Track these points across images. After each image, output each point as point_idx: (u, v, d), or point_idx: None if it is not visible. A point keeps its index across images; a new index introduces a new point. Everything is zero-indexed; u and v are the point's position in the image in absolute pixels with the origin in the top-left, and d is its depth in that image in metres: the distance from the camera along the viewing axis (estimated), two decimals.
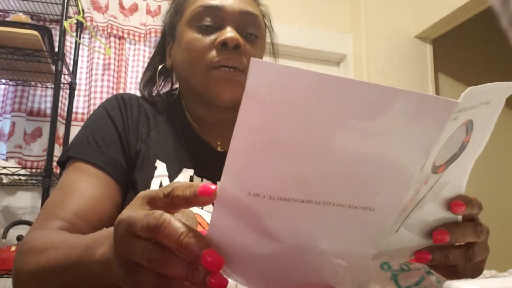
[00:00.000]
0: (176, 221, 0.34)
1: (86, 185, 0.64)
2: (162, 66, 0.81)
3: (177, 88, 0.81)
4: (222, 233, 0.34)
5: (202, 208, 0.67)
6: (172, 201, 0.35)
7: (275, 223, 0.34)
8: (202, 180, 0.71)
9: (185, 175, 0.70)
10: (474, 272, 0.49)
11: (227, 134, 0.76)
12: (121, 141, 0.71)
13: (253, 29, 0.73)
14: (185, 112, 0.78)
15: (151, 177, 0.68)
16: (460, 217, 0.43)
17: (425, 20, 2.39)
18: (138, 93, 0.82)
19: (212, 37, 0.70)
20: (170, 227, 0.33)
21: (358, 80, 0.30)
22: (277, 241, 0.35)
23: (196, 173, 0.71)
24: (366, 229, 0.37)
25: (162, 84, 0.84)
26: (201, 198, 0.34)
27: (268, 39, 0.83)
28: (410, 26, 2.49)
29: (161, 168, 0.70)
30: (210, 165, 0.73)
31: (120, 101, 0.75)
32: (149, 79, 0.82)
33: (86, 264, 0.44)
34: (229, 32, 0.68)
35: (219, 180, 0.70)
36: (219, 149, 0.76)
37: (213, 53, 0.69)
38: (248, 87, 0.29)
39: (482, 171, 2.52)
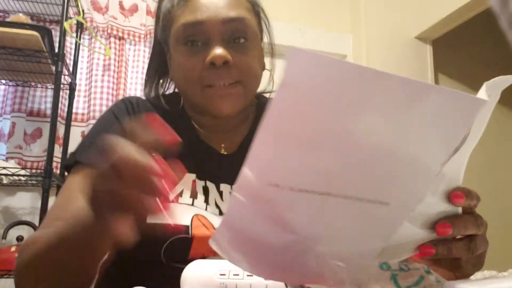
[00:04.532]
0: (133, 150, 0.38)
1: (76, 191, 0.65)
2: (164, 78, 0.81)
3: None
4: (237, 221, 0.35)
5: (206, 209, 0.67)
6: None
7: (291, 214, 0.35)
8: (205, 183, 0.71)
9: (187, 180, 0.70)
10: (476, 265, 0.49)
11: (231, 138, 0.77)
12: None
13: (241, 33, 0.70)
14: (190, 119, 0.78)
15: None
16: (460, 210, 0.44)
17: (425, 21, 2.39)
18: (141, 94, 0.81)
19: (200, 56, 0.68)
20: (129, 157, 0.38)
21: (393, 74, 0.30)
22: (290, 232, 0.36)
23: (198, 177, 0.71)
24: (379, 223, 0.37)
25: (166, 86, 0.84)
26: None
27: (266, 39, 0.81)
28: (410, 26, 2.49)
29: None
30: (213, 167, 0.73)
31: (128, 105, 0.75)
32: (151, 86, 0.82)
33: (75, 228, 0.48)
34: (216, 50, 0.67)
35: (222, 182, 0.71)
36: (223, 151, 0.76)
37: (204, 72, 0.68)
38: (285, 76, 0.28)
39: (481, 172, 2.52)
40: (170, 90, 0.85)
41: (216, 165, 0.74)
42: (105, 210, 0.40)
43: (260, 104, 0.83)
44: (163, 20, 0.75)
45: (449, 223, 0.42)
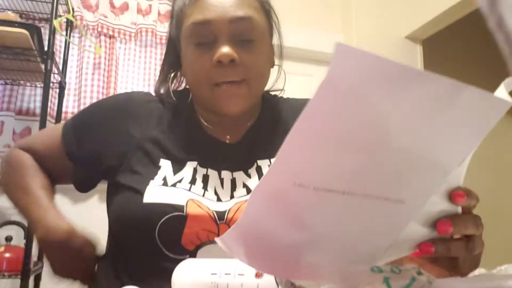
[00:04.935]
0: None
1: (51, 142, 0.82)
2: (176, 73, 0.84)
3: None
4: (253, 219, 0.34)
5: (204, 195, 0.69)
6: None
7: (310, 213, 0.34)
8: (207, 171, 0.73)
9: (189, 168, 0.73)
10: (472, 265, 0.50)
11: (236, 129, 0.80)
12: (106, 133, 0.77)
13: (247, 33, 0.72)
14: (196, 113, 0.81)
15: (156, 174, 0.71)
16: (460, 209, 0.44)
17: (415, 21, 2.41)
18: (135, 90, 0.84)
19: (209, 54, 0.71)
20: None
21: (434, 74, 0.29)
22: (305, 230, 0.35)
23: (200, 164, 0.73)
24: (392, 220, 0.37)
25: (177, 84, 0.87)
26: None
27: (275, 41, 0.84)
28: (400, 26, 2.51)
29: (165, 165, 0.72)
30: (216, 156, 0.75)
31: (130, 100, 0.81)
32: (160, 82, 0.85)
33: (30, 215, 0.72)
34: (222, 49, 0.69)
35: (224, 169, 0.74)
36: (227, 141, 0.79)
37: (212, 71, 0.70)
38: (330, 73, 0.27)
39: (470, 170, 2.54)
40: (182, 86, 0.88)
41: (219, 153, 0.76)
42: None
43: (266, 100, 0.85)
44: (176, 18, 0.78)
45: (450, 222, 0.42)
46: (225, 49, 0.69)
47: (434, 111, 0.31)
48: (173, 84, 0.84)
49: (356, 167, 0.32)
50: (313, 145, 0.31)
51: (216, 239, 0.37)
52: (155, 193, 0.67)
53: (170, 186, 0.69)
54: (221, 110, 0.73)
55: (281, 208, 0.34)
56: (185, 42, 0.75)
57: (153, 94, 0.84)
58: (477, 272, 0.54)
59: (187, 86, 0.84)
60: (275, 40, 0.85)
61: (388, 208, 0.36)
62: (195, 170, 0.73)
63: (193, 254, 0.65)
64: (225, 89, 0.71)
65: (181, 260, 0.62)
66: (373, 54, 0.27)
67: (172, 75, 0.83)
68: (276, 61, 0.84)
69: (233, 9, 0.71)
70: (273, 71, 0.83)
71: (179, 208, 0.66)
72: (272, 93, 0.89)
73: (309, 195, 0.32)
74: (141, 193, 0.67)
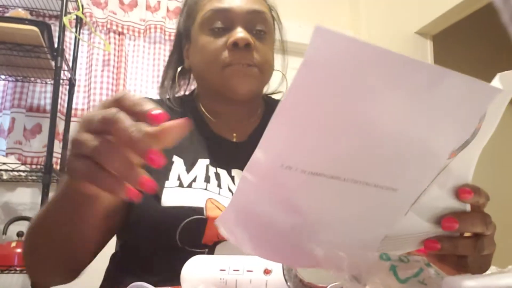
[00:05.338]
0: (128, 119, 0.37)
1: None
2: (181, 69, 0.85)
3: (195, 89, 0.86)
4: (245, 202, 0.34)
5: (219, 193, 0.70)
6: (120, 105, 0.38)
7: (300, 197, 0.34)
8: (216, 169, 0.74)
9: (201, 165, 0.73)
10: (482, 265, 0.49)
11: (242, 127, 0.81)
12: None
13: (261, 25, 0.77)
14: (200, 110, 0.82)
15: (169, 170, 0.71)
16: (468, 207, 0.43)
17: (426, 16, 2.39)
18: (141, 89, 0.84)
19: (224, 38, 0.75)
20: (123, 121, 0.37)
21: (416, 59, 0.29)
22: (297, 215, 0.35)
23: (211, 163, 0.74)
24: (385, 209, 0.37)
25: (185, 83, 0.89)
26: (149, 120, 0.36)
27: (277, 36, 0.87)
28: (410, 21, 2.49)
29: (178, 162, 0.73)
30: (225, 155, 0.76)
31: None
32: (168, 80, 0.86)
33: (58, 198, 0.51)
34: (239, 33, 0.73)
35: (234, 168, 0.74)
36: (234, 140, 0.80)
37: (226, 53, 0.74)
38: (308, 55, 0.27)
39: (481, 168, 2.52)
40: (182, 91, 0.89)
41: (228, 152, 0.77)
42: (79, 175, 0.41)
43: (269, 101, 0.88)
44: (189, 9, 0.82)
45: (456, 218, 0.41)
46: (242, 33, 0.73)
47: (418, 96, 0.31)
48: (176, 89, 0.85)
49: (342, 151, 0.32)
50: (297, 127, 0.31)
51: (216, 221, 0.36)
52: (173, 196, 0.67)
53: (186, 187, 0.68)
54: (230, 89, 0.75)
55: (270, 190, 0.34)
56: (199, 29, 0.77)
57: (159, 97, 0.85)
58: (488, 271, 0.54)
59: (188, 92, 0.85)
60: (277, 42, 0.89)
61: (380, 195, 0.35)
62: (207, 168, 0.73)
63: (212, 248, 0.65)
64: (237, 69, 0.73)
65: (200, 253, 0.63)
66: (352, 38, 0.27)
67: (179, 69, 0.84)
68: (280, 61, 0.87)
69: (250, 3, 0.77)
70: (274, 76, 0.85)
71: (199, 210, 0.65)
72: (275, 96, 0.91)
73: (297, 178, 0.33)
74: (158, 196, 0.67)
